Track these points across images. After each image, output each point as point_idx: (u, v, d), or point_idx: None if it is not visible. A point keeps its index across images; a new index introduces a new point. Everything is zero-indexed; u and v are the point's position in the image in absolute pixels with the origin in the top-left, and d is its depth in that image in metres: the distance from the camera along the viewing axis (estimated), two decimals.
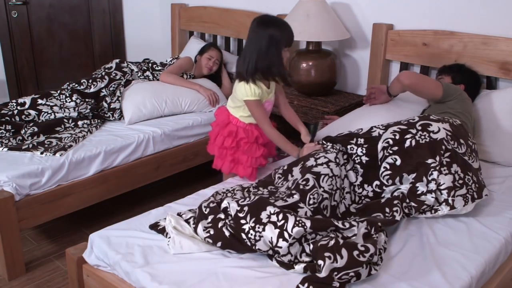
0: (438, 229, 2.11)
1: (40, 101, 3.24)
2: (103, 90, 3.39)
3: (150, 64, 3.79)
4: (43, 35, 4.88)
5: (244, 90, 2.46)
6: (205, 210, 2.06)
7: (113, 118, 3.34)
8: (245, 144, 2.57)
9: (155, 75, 3.73)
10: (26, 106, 3.20)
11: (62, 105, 3.24)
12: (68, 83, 3.40)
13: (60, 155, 2.80)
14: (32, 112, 3.19)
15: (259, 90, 2.46)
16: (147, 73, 3.73)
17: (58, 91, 3.33)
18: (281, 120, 2.81)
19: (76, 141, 2.97)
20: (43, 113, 3.20)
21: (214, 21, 4.28)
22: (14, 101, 3.23)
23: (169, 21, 4.71)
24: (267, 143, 2.65)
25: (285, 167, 2.37)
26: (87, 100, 3.30)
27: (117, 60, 3.68)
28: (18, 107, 3.19)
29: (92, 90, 3.36)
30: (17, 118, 3.15)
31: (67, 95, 3.29)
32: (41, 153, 2.82)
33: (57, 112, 3.21)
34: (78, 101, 3.27)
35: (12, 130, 3.05)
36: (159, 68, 3.79)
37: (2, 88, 4.96)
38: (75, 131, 3.11)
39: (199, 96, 3.54)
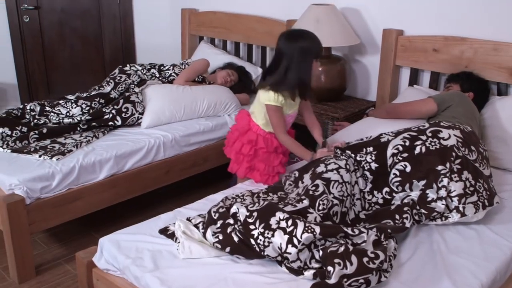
0: (449, 237, 2.10)
1: (47, 108, 3.27)
2: (112, 92, 3.40)
3: (157, 66, 3.80)
4: (54, 39, 4.92)
5: (267, 95, 2.47)
6: (214, 215, 2.06)
7: (117, 121, 3.27)
8: (263, 154, 2.58)
9: (163, 74, 3.75)
10: (36, 112, 3.23)
11: (67, 113, 3.25)
12: (75, 95, 3.44)
13: (57, 160, 2.80)
14: (43, 118, 3.22)
15: (282, 98, 2.46)
16: (152, 70, 3.74)
17: (65, 101, 3.35)
18: (301, 131, 2.82)
19: (77, 147, 2.97)
20: (52, 116, 3.23)
21: (224, 26, 4.30)
22: (29, 107, 3.26)
23: (179, 26, 4.73)
24: (287, 151, 2.66)
25: (297, 175, 2.37)
26: (93, 102, 3.30)
27: (119, 66, 3.71)
28: (31, 112, 3.23)
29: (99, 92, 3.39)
30: (31, 123, 3.19)
31: (73, 101, 3.30)
32: (40, 156, 2.83)
33: (64, 119, 3.22)
34: (84, 105, 3.27)
35: (21, 133, 3.07)
36: (167, 67, 3.80)
37: (13, 92, 5.00)
38: (81, 136, 3.12)
39: (216, 99, 3.54)
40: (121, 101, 3.31)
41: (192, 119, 3.48)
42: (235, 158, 2.67)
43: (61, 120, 3.22)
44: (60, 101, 3.32)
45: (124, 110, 3.28)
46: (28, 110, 3.24)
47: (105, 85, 3.46)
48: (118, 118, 3.25)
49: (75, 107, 3.25)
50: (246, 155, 2.60)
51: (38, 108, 3.26)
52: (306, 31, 2.50)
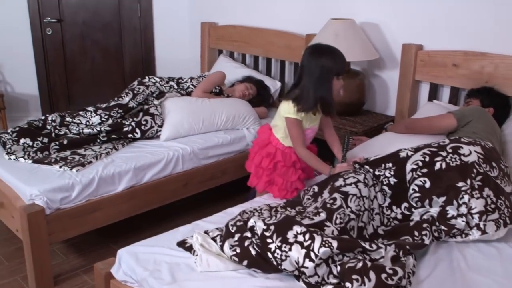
0: (469, 254, 2.08)
1: (67, 118, 3.31)
2: (130, 103, 3.43)
3: (175, 79, 3.83)
4: (75, 52, 5.00)
5: (288, 108, 2.49)
6: (232, 229, 2.06)
7: (137, 134, 3.30)
8: (281, 167, 2.59)
9: (181, 87, 3.78)
10: (57, 123, 3.28)
11: (87, 122, 3.29)
12: (94, 106, 3.49)
13: (77, 171, 2.84)
14: (63, 129, 3.27)
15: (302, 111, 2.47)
16: (171, 83, 3.78)
17: (84, 111, 3.39)
18: (320, 145, 2.82)
19: (97, 158, 3.00)
20: (72, 126, 3.27)
21: (244, 40, 4.33)
22: (50, 118, 3.30)
23: (198, 39, 4.77)
24: (306, 167, 2.65)
25: (315, 189, 2.36)
26: (112, 111, 3.33)
27: (138, 78, 3.75)
28: (53, 123, 3.27)
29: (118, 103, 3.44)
30: (52, 134, 3.23)
31: (92, 111, 3.34)
32: (60, 167, 2.87)
33: (84, 129, 3.26)
34: (103, 115, 3.30)
35: (42, 143, 3.11)
36: (185, 80, 3.83)
37: (35, 103, 5.08)
38: (100, 148, 3.16)
39: (234, 112, 3.56)
40: (141, 113, 3.34)
41: (210, 132, 3.50)
42: (254, 171, 2.68)
43: (81, 131, 3.25)
44: (80, 112, 3.37)
45: (144, 122, 3.31)
46: (50, 121, 3.29)
47: (124, 96, 3.50)
48: (137, 130, 3.28)
49: (94, 116, 3.29)
50: (265, 168, 2.61)
51: (58, 119, 3.30)
52: (330, 48, 2.49)
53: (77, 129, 3.26)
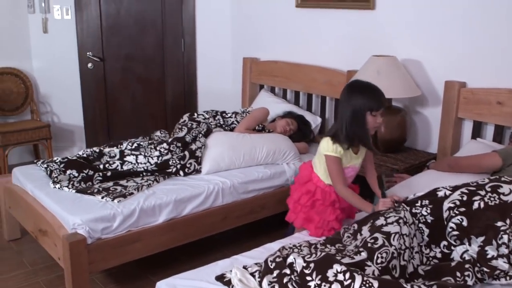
0: None
1: (127, 152, 3.40)
2: (187, 136, 3.49)
3: (219, 113, 3.89)
4: (116, 85, 5.13)
5: (327, 145, 2.49)
6: (271, 265, 2.06)
7: (180, 175, 3.34)
8: (319, 206, 2.58)
9: (225, 121, 3.83)
10: (116, 157, 3.37)
11: (146, 154, 3.35)
12: (139, 138, 3.57)
13: (118, 202, 2.89)
14: (117, 161, 3.35)
15: (341, 148, 2.47)
16: (218, 117, 3.84)
17: (146, 142, 3.49)
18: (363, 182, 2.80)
19: (138, 190, 3.05)
20: (126, 163, 3.34)
21: (285, 75, 4.37)
22: (106, 152, 3.43)
23: (240, 74, 4.85)
24: (346, 207, 2.63)
25: (355, 227, 2.34)
26: (172, 146, 3.38)
27: (187, 114, 3.82)
28: (108, 159, 3.38)
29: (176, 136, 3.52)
30: (101, 166, 3.31)
31: (153, 147, 3.39)
32: (102, 197, 2.92)
33: (141, 163, 3.32)
34: (162, 149, 3.35)
35: (87, 174, 3.19)
36: (229, 115, 3.89)
37: (80, 134, 5.22)
38: (142, 179, 3.21)
39: (275, 147, 3.57)
40: (187, 155, 3.38)
41: (251, 166, 3.52)
42: (293, 207, 2.68)
43: (134, 168, 3.31)
44: (141, 148, 3.43)
45: (188, 165, 3.36)
46: (107, 154, 3.40)
47: (178, 131, 3.58)
48: (181, 172, 3.34)
49: (154, 152, 3.35)
50: (303, 205, 2.60)
51: (118, 155, 3.38)
52: (366, 84, 2.50)
53: (133, 167, 3.32)
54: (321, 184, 2.60)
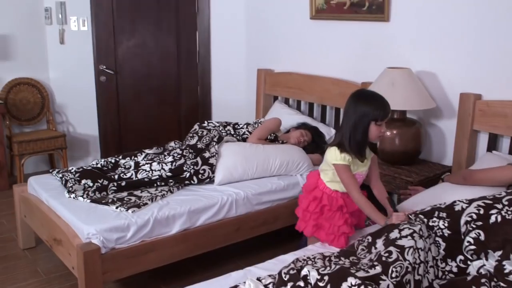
0: None
1: (142, 162, 3.44)
2: (198, 143, 3.53)
3: (231, 124, 3.92)
4: (130, 97, 5.14)
5: (334, 154, 2.50)
6: (285, 277, 2.05)
7: (194, 181, 3.35)
8: (327, 211, 2.57)
9: (237, 132, 3.86)
10: (131, 168, 3.41)
11: (159, 161, 3.40)
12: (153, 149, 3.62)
13: (133, 212, 2.90)
14: (132, 171, 3.38)
15: (349, 156, 2.48)
16: (228, 127, 3.87)
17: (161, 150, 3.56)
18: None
19: (152, 200, 3.06)
20: (141, 171, 3.37)
21: (299, 87, 4.38)
22: (122, 164, 3.48)
23: (254, 85, 4.86)
24: (354, 212, 2.63)
25: (369, 239, 2.33)
26: (184, 151, 3.44)
27: (198, 123, 3.87)
28: (123, 169, 3.43)
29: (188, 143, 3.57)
30: (116, 176, 3.34)
31: (166, 154, 3.44)
32: (116, 207, 2.94)
33: (155, 170, 3.34)
34: (175, 155, 3.41)
35: (101, 184, 3.21)
36: (241, 126, 3.91)
37: (95, 144, 5.27)
38: (156, 190, 3.22)
39: (288, 158, 3.57)
40: (200, 161, 3.40)
41: (264, 177, 3.52)
42: (302, 216, 2.68)
43: (149, 176, 3.33)
44: (155, 158, 3.48)
45: (201, 171, 3.36)
46: (123, 165, 3.45)
47: (190, 139, 3.63)
48: (194, 178, 3.34)
49: (168, 157, 3.40)
50: (312, 212, 2.61)
51: (133, 165, 3.43)
52: (371, 93, 2.52)
53: (146, 174, 3.35)
54: (327, 190, 2.60)
